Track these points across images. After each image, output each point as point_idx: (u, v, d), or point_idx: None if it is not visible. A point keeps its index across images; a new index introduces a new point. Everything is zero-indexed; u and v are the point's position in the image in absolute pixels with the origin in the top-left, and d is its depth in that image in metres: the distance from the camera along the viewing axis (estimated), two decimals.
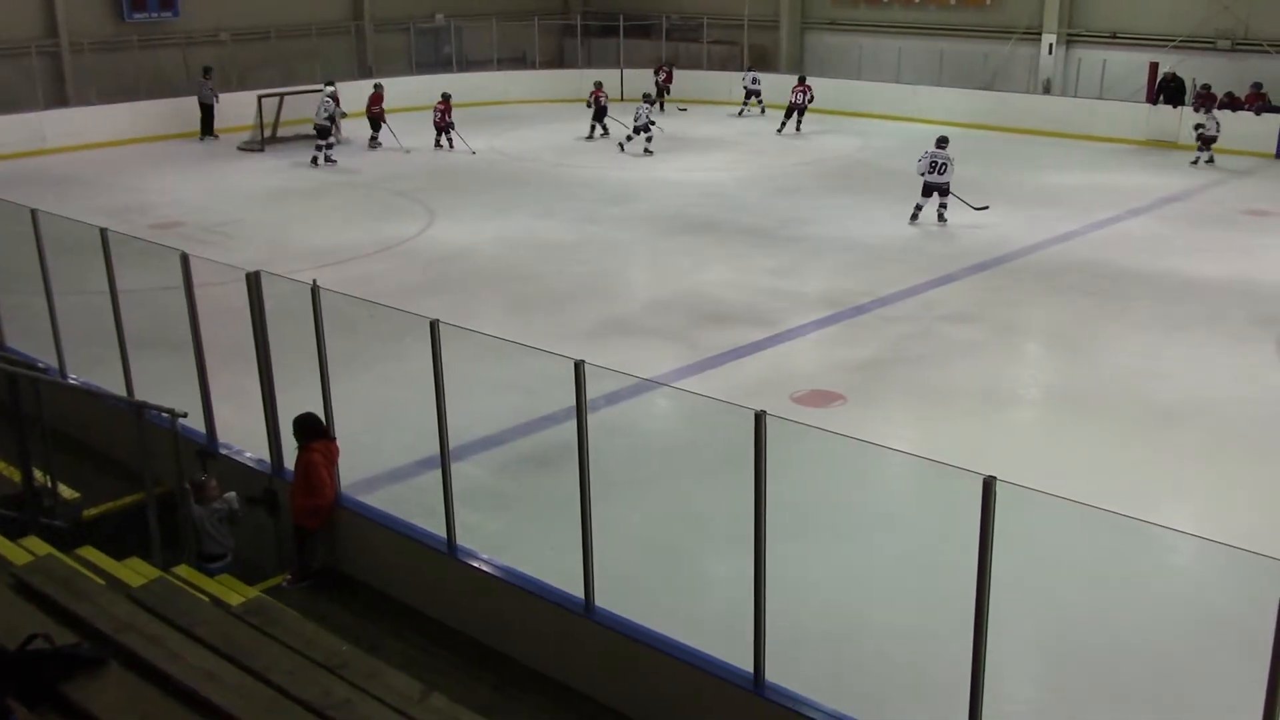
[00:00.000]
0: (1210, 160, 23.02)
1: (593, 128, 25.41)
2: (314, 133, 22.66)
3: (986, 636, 5.13)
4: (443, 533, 7.31)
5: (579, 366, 6.26)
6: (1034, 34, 28.76)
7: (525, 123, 27.46)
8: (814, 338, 12.72)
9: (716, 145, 25.04)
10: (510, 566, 7.16)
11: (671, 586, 7.79)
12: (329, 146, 22.53)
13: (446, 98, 24.08)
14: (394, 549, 7.73)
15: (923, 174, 17.84)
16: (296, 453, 7.89)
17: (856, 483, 9.11)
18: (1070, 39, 28.59)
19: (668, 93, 30.19)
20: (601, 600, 6.60)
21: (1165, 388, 11.27)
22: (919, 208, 17.95)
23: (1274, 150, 23.87)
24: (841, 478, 9.09)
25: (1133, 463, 9.70)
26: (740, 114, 29.18)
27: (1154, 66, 26.71)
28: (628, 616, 6.55)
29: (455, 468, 7.39)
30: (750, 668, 5.92)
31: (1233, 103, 24.99)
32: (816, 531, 8.35)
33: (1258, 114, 24.24)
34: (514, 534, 8.46)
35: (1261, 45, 25.57)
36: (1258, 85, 24.81)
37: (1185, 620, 7.52)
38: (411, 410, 8.57)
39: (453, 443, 7.29)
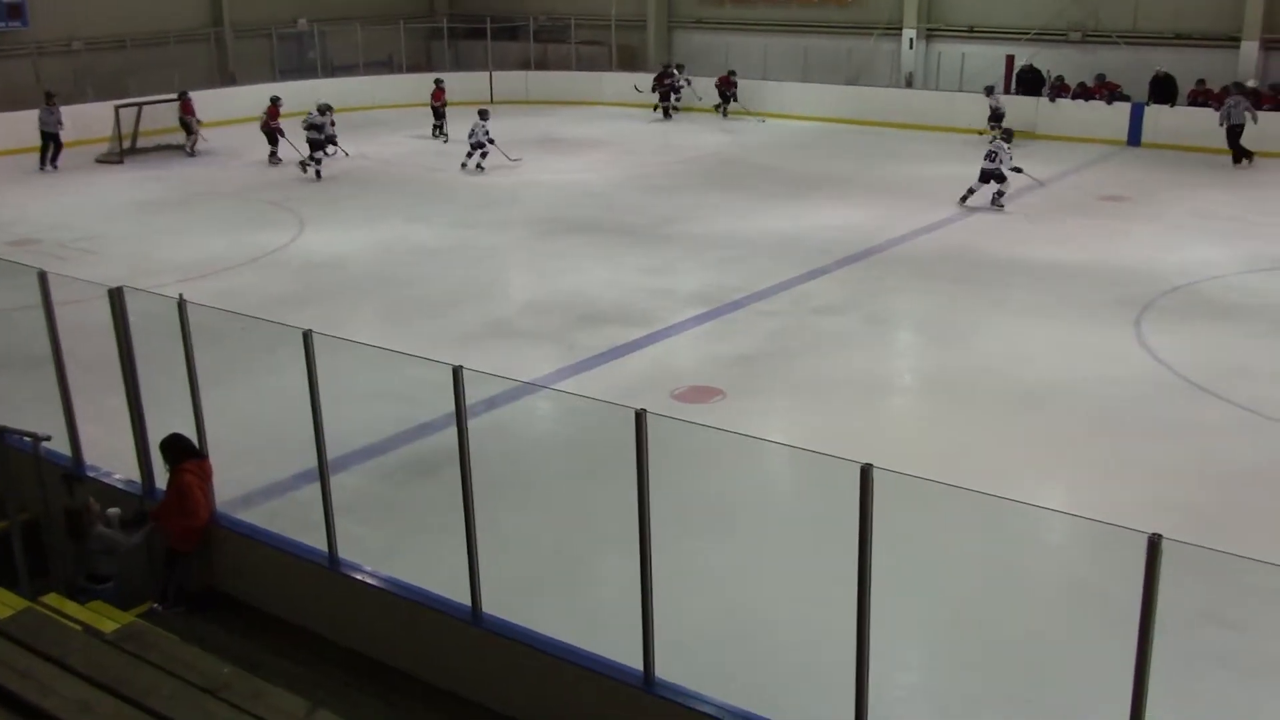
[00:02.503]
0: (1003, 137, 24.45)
1: (436, 128, 25.43)
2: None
3: (869, 622, 5.22)
4: (324, 546, 7.18)
5: (457, 372, 6.21)
6: (895, 29, 29.40)
7: (394, 127, 27.14)
8: (691, 334, 12.81)
9: (588, 146, 25.06)
10: (395, 577, 7.06)
11: (560, 589, 7.77)
12: (317, 162, 21.59)
13: (275, 101, 23.27)
14: (274, 566, 7.57)
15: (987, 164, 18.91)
16: (168, 474, 7.68)
17: (739, 476, 9.21)
18: (930, 34, 29.29)
19: (735, 99, 28.99)
20: (489, 607, 6.55)
21: (1032, 370, 11.61)
22: (971, 190, 19.02)
23: (1125, 138, 24.76)
24: (723, 472, 9.19)
25: (1003, 444, 9.97)
26: (720, 111, 29.28)
27: (1010, 59, 27.54)
28: (516, 622, 6.52)
29: (335, 479, 7.27)
30: (640, 666, 5.94)
31: (1085, 92, 25.88)
32: (702, 526, 8.41)
33: (1109, 103, 25.13)
34: (398, 544, 8.36)
35: (1110, 36, 26.51)
36: (1101, 76, 25.74)
37: (1058, 595, 7.75)
38: (287, 424, 8.39)
39: (331, 454, 7.17)
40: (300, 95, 24.72)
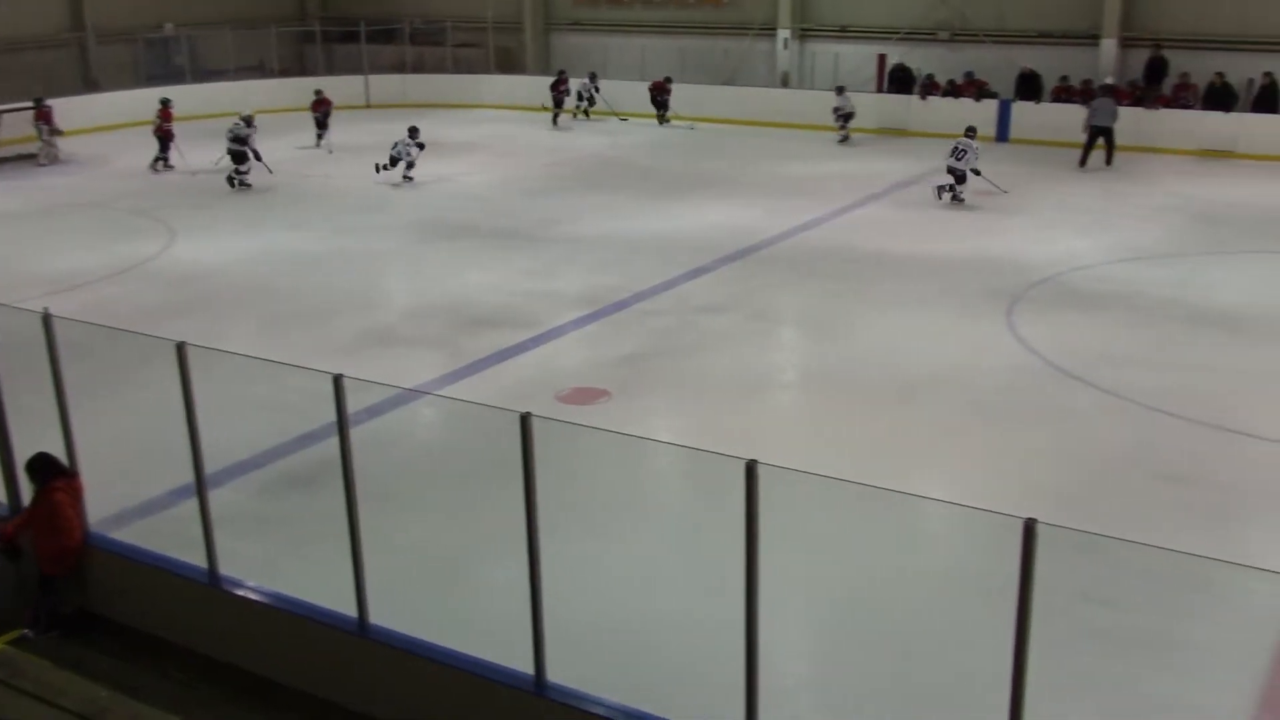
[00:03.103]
0: (846, 138, 25.37)
1: (318, 137, 24.91)
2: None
3: (758, 615, 5.27)
4: (204, 563, 7.01)
5: (338, 380, 6.11)
6: (770, 30, 29.78)
7: (268, 133, 26.53)
8: (576, 336, 12.81)
9: (467, 149, 24.88)
10: (278, 591, 6.92)
11: (449, 596, 7.70)
12: (241, 174, 20.75)
13: (167, 104, 22.60)
14: (151, 585, 7.36)
15: (946, 160, 19.07)
16: (34, 495, 7.43)
17: (626, 476, 9.23)
18: (804, 34, 29.74)
19: (667, 107, 28.30)
20: (377, 617, 6.46)
21: (910, 362, 11.85)
22: (950, 188, 19.16)
23: (993, 134, 25.40)
24: (611, 473, 9.19)
25: (884, 435, 10.16)
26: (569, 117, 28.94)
27: (882, 58, 28.12)
28: (405, 631, 6.44)
29: (213, 494, 7.11)
30: (531, 670, 5.91)
31: (954, 90, 26.53)
32: (590, 527, 8.40)
33: (977, 100, 25.78)
34: (281, 558, 8.19)
35: (977, 35, 27.21)
36: (969, 74, 26.43)
37: (941, 581, 7.91)
38: (162, 438, 8.18)
39: (209, 469, 7.01)
40: (177, 101, 24.05)
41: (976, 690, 6.39)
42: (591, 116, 28.65)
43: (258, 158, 20.89)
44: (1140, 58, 25.58)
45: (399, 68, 32.08)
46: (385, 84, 30.77)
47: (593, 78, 28.90)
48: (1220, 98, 23.98)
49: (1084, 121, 22.53)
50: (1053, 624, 5.18)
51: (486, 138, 26.33)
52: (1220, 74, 23.96)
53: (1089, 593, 7.26)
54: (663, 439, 9.71)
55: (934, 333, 12.84)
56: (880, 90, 27.77)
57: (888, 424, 10.43)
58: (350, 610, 6.46)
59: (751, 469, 5.07)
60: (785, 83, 29.46)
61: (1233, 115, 23.69)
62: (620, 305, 13.77)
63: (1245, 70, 24.14)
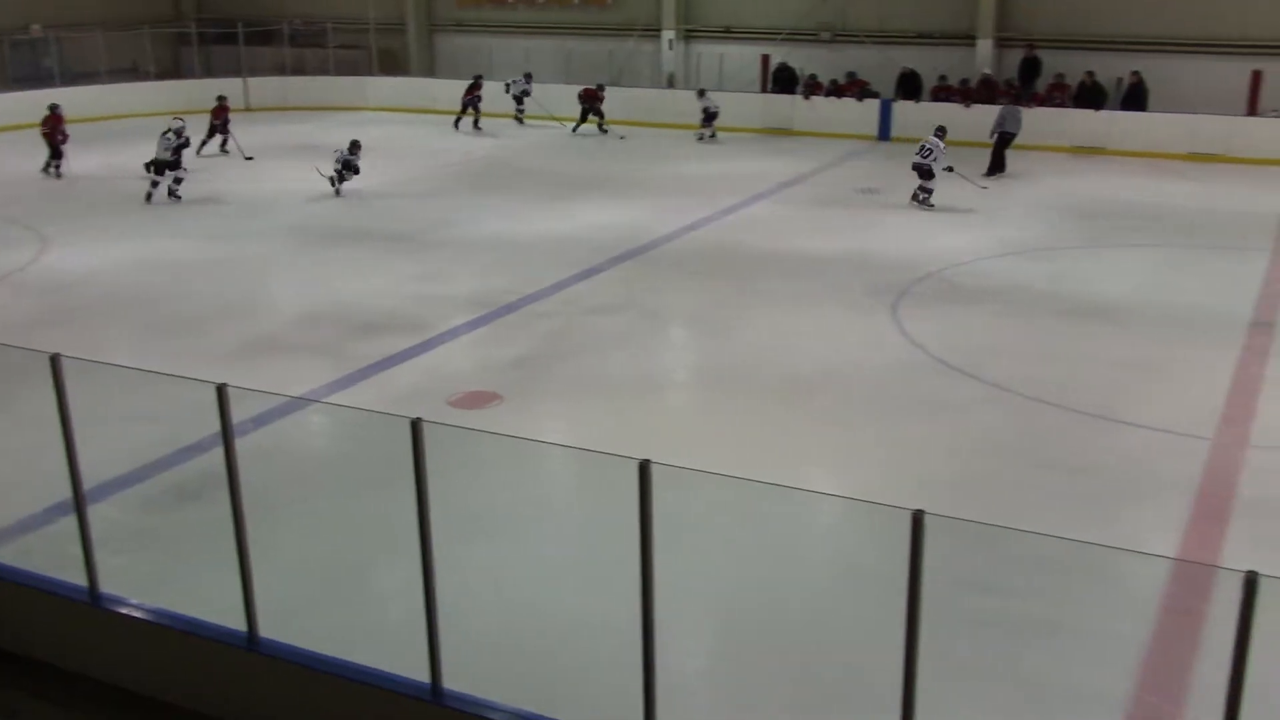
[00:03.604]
0: (713, 136, 25.59)
1: (223, 141, 24.16)
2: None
3: (654, 614, 5.28)
4: (84, 582, 6.79)
5: (221, 390, 5.97)
6: (654, 31, 29.93)
7: (145, 137, 25.82)
8: (466, 340, 12.70)
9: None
10: (164, 608, 6.73)
11: (342, 606, 7.57)
12: (177, 181, 19.80)
13: (55, 109, 21.81)
14: (28, 606, 7.10)
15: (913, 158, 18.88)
16: None
17: (520, 479, 9.18)
18: (688, 34, 29.94)
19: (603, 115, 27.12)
20: (267, 631, 6.32)
21: (799, 359, 11.99)
22: (923, 189, 18.95)
23: (875, 133, 25.87)
24: (505, 476, 9.13)
25: (776, 432, 10.26)
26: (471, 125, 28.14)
27: (766, 58, 28.43)
28: (297, 644, 6.32)
29: (93, 510, 6.88)
30: (428, 678, 5.84)
31: (837, 90, 26.94)
32: (485, 532, 8.33)
33: (859, 99, 26.22)
34: (166, 573, 7.97)
35: (858, 36, 27.66)
36: (851, 74, 26.88)
37: (834, 574, 8.02)
38: (36, 455, 7.91)
39: (87, 484, 6.78)
40: (39, 106, 23.24)
41: (870, 679, 6.48)
42: (525, 122, 28.08)
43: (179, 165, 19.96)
44: (1015, 58, 26.28)
45: (279, 70, 31.50)
46: (265, 87, 30.20)
47: (528, 79, 28.28)
48: (1091, 96, 24.75)
49: (993, 127, 22.14)
50: (942, 612, 5.27)
51: (371, 141, 25.89)
52: (1090, 73, 24.73)
53: (977, 581, 7.41)
54: (556, 441, 9.68)
55: (822, 329, 13.02)
56: (765, 90, 28.08)
57: (779, 420, 10.53)
58: (240, 625, 6.32)
59: (644, 469, 5.07)
60: (671, 83, 29.64)
61: (1103, 113, 24.47)
62: (511, 308, 13.70)
63: (1114, 69, 24.95)
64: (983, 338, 12.65)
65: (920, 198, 19.01)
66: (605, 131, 26.87)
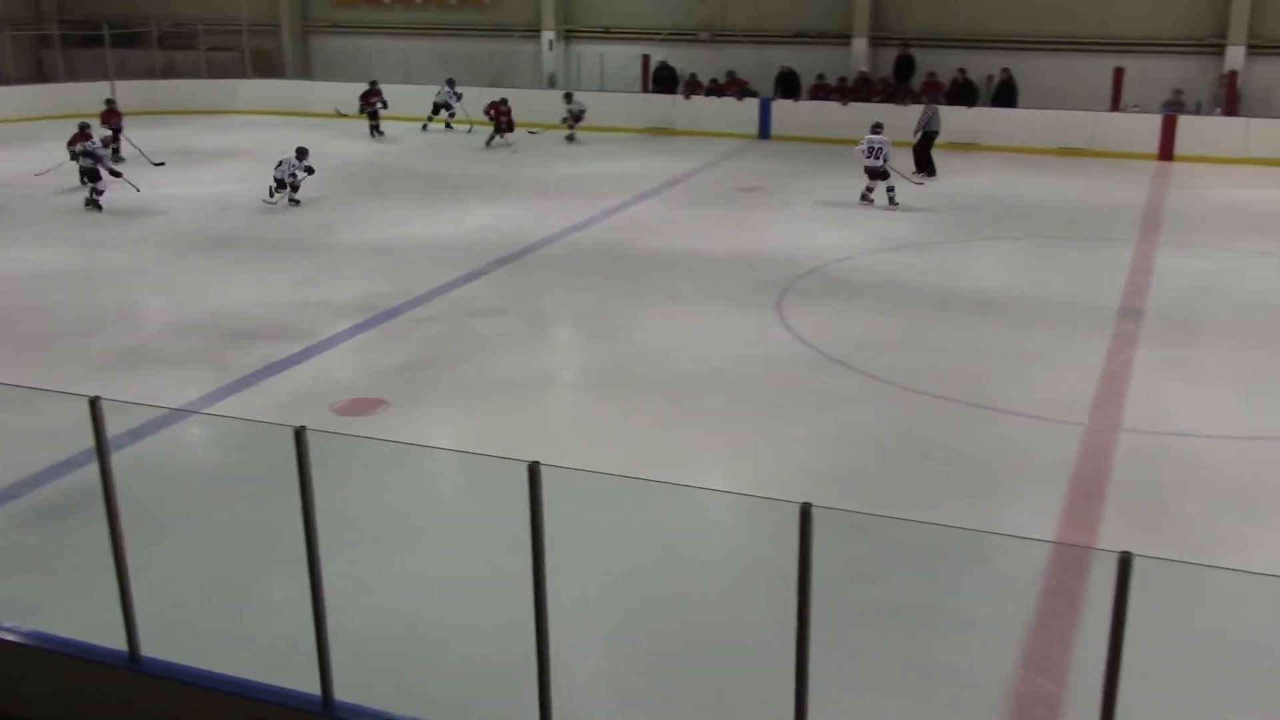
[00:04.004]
0: (572, 138, 25.68)
1: (115, 149, 23.16)
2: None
3: (547, 616, 5.26)
4: None
5: (94, 403, 5.78)
6: (534, 31, 29.84)
7: (7, 145, 25.01)
8: (349, 345, 12.52)
9: (227, 157, 24.01)
10: (39, 630, 6.50)
11: (228, 621, 7.40)
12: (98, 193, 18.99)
13: None
14: None
15: (863, 161, 18.40)
16: None
17: (408, 486, 9.08)
18: (568, 35, 29.92)
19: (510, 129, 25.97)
20: (150, 649, 6.15)
21: (685, 357, 12.06)
22: (869, 189, 18.69)
23: (755, 131, 26.15)
24: (392, 483, 9.03)
25: (665, 431, 10.30)
26: (424, 128, 27.57)
27: (646, 58, 28.54)
28: (182, 661, 6.15)
29: None
30: (318, 690, 5.74)
31: (717, 89, 27.17)
32: (374, 540, 8.22)
33: (739, 99, 26.48)
34: (40, 595, 7.70)
35: (737, 36, 27.94)
36: (731, 73, 27.15)
37: (726, 569, 8.08)
38: None
39: None
40: None
41: (764, 672, 6.55)
42: (454, 126, 27.45)
43: (116, 174, 19.30)
44: (890, 56, 26.81)
45: (149, 73, 30.67)
46: (133, 90, 29.29)
47: (451, 84, 27.52)
48: (963, 93, 25.36)
49: (916, 126, 22.29)
50: (832, 603, 5.35)
51: (246, 144, 25.44)
52: (962, 70, 25.35)
53: (864, 571, 7.55)
54: (443, 446, 9.59)
55: (708, 327, 13.11)
56: (646, 90, 28.20)
57: (667, 419, 10.58)
58: (120, 644, 6.14)
59: (534, 471, 5.05)
60: (552, 84, 29.58)
61: (975, 110, 25.08)
62: (394, 313, 13.54)
63: (985, 67, 25.61)
64: (864, 331, 12.87)
65: (890, 196, 18.94)
66: (491, 145, 25.59)
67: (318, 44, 32.54)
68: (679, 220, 18.44)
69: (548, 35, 29.78)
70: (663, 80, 27.89)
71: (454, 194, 20.29)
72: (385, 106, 26.74)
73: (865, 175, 18.99)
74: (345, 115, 27.56)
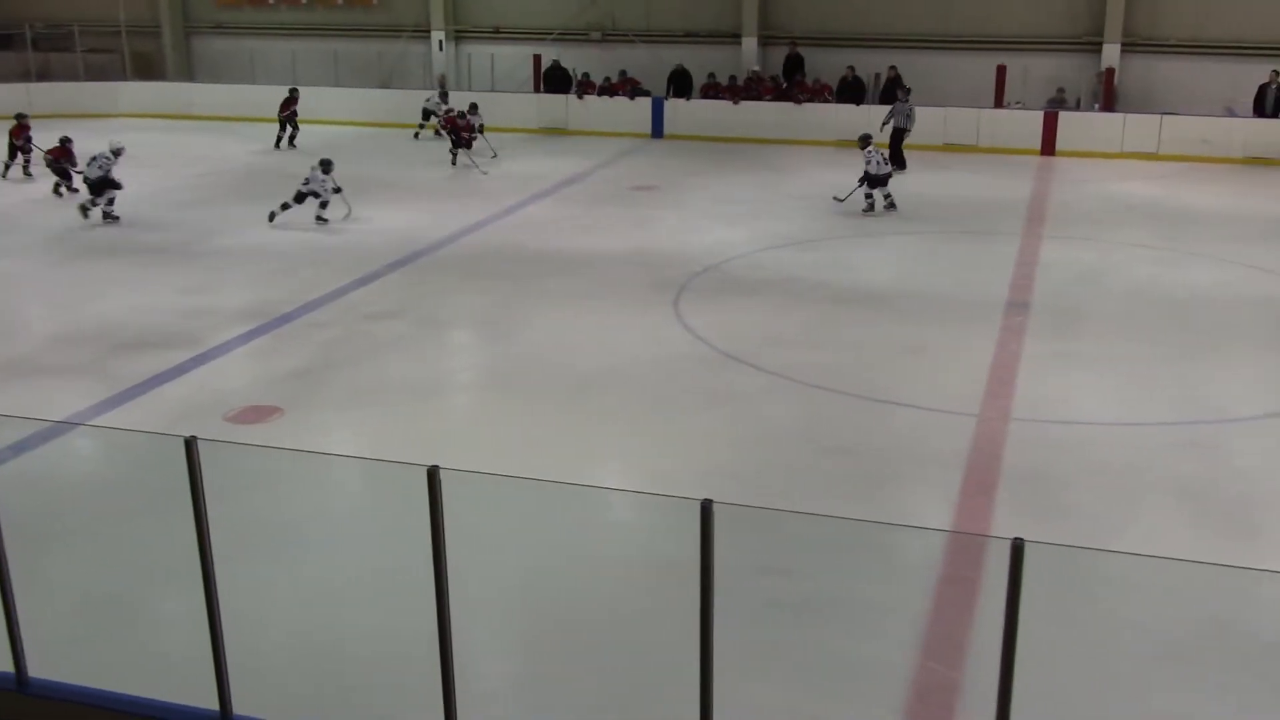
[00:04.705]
0: (417, 136, 25.59)
1: (25, 163, 21.98)
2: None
3: (450, 622, 5.22)
4: None
5: None
6: (423, 32, 29.56)
7: None
8: (241, 352, 12.27)
9: None
10: None
11: (122, 638, 7.20)
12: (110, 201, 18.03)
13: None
14: None
15: (876, 173, 17.93)
16: None
17: (305, 494, 8.92)
18: (458, 35, 29.71)
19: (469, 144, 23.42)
20: (38, 670, 5.96)
21: (583, 357, 12.06)
22: (869, 196, 18.29)
23: (649, 130, 26.24)
24: (289, 491, 8.87)
25: (564, 431, 10.28)
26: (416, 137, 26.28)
27: (538, 58, 28.45)
28: (73, 681, 5.97)
29: None
30: (216, 705, 5.62)
31: (609, 89, 27.20)
32: (271, 550, 8.07)
33: (631, 98, 26.55)
34: None
35: (628, 35, 28.00)
36: (623, 72, 27.23)
37: (630, 568, 8.08)
38: None
39: None
40: None
41: (670, 668, 6.58)
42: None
43: (117, 186, 18.13)
44: (780, 55, 27.11)
45: (23, 76, 29.70)
46: (7, 94, 28.36)
47: (443, 96, 26.19)
48: (852, 91, 25.75)
49: (889, 123, 22.62)
50: (736, 599, 5.39)
51: (128, 148, 24.70)
52: (851, 68, 25.75)
53: (766, 565, 7.61)
54: (341, 452, 9.46)
55: (605, 327, 13.12)
56: (538, 90, 28.12)
57: (566, 419, 10.57)
58: (6, 666, 5.94)
59: (433, 475, 5.00)
60: (443, 84, 29.31)
61: (863, 107, 25.47)
62: (286, 318, 13.30)
63: (873, 65, 26.03)
64: (760, 328, 12.99)
65: (888, 200, 18.70)
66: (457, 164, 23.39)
67: (200, 45, 31.84)
68: (575, 220, 18.42)
69: (437, 35, 29.52)
70: (554, 80, 27.84)
71: (346, 196, 19.96)
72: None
73: (865, 184, 18.50)
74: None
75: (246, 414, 10.49)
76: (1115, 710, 6.39)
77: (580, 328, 13.10)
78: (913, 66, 25.72)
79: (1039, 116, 24.38)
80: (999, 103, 25.53)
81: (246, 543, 7.60)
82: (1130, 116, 24.34)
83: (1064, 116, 24.53)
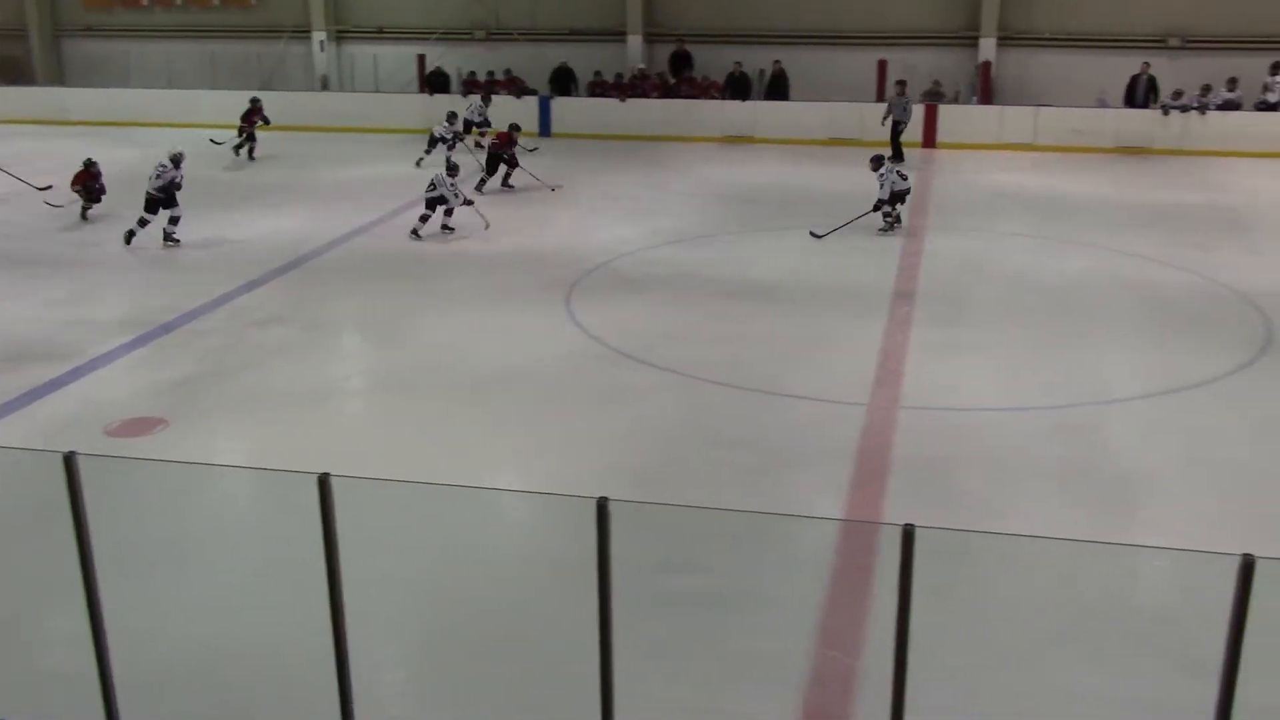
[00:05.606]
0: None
1: None
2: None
3: (345, 630, 5.15)
4: None
5: None
6: (304, 32, 29.07)
7: None
8: (122, 363, 11.93)
9: None
10: None
11: (7, 660, 6.95)
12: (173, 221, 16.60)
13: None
14: None
15: (895, 187, 17.00)
16: None
17: (195, 506, 8.71)
18: (340, 35, 29.27)
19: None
20: None
21: (476, 359, 11.97)
22: (888, 214, 17.12)
23: (536, 129, 26.12)
24: (177, 504, 8.65)
25: (457, 434, 10.19)
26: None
27: (422, 59, 28.16)
28: None
29: None
30: None
31: (498, 87, 27.05)
32: (162, 564, 7.86)
33: (518, 97, 26.43)
34: None
35: (512, 34, 27.87)
36: (508, 71, 27.11)
37: (530, 569, 8.05)
38: None
39: None
40: None
41: (569, 669, 6.57)
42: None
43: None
44: (665, 52, 27.22)
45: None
46: None
47: (485, 101, 24.49)
48: (738, 87, 25.99)
49: (888, 117, 23.09)
50: (635, 596, 5.40)
51: None
52: (738, 64, 25.99)
53: (663, 561, 7.64)
54: (229, 463, 9.26)
55: (498, 328, 13.04)
56: (422, 91, 27.81)
57: (460, 422, 10.48)
58: None
59: (324, 482, 4.93)
60: (325, 85, 28.89)
61: (749, 103, 25.73)
62: (169, 327, 12.97)
63: (758, 61, 26.29)
64: (653, 324, 13.03)
65: (899, 215, 17.43)
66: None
67: (71, 48, 30.88)
68: (463, 221, 18.26)
69: (318, 36, 29.04)
70: (436, 83, 27.57)
71: (228, 202, 19.55)
72: (267, 123, 23.86)
73: (888, 204, 17.15)
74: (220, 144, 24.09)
75: (128, 426, 10.20)
76: (1014, 687, 6.54)
77: (472, 329, 13.00)
78: (798, 62, 26.05)
79: (919, 109, 24.82)
80: (880, 96, 25.95)
81: (133, 558, 7.40)
82: (1008, 109, 24.94)
83: (944, 109, 25.02)
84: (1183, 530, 8.19)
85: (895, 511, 8.43)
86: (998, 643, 6.99)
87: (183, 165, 16.90)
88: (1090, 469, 9.36)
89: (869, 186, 17.23)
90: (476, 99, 24.71)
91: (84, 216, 18.40)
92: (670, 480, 9.14)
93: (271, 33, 29.21)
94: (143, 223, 16.55)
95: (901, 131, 23.44)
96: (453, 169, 17.59)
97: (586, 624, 4.97)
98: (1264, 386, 11.24)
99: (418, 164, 22.42)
